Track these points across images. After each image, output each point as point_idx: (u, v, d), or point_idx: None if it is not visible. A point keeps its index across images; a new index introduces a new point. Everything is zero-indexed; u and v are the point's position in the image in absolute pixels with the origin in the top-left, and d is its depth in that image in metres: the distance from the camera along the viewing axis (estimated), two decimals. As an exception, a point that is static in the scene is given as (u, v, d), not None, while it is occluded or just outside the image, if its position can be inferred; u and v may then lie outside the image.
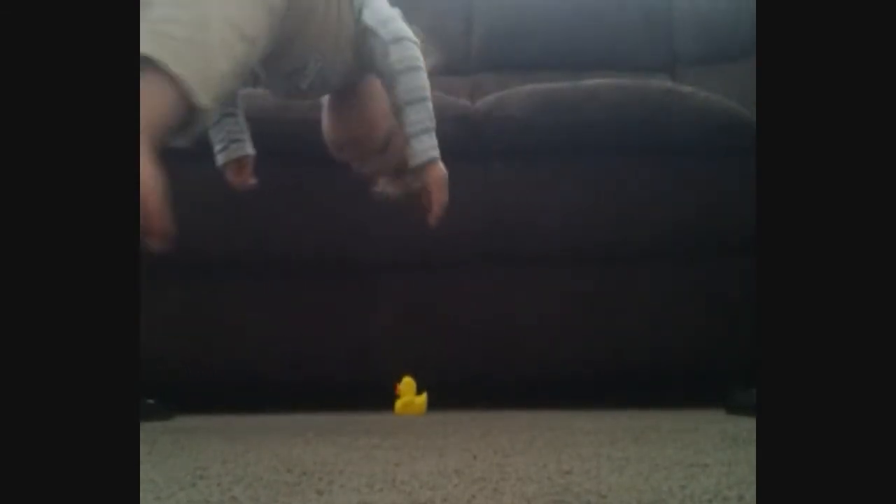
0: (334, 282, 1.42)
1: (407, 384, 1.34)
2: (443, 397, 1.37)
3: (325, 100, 1.28)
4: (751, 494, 0.56)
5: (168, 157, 1.35)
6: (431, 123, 1.14)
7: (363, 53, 1.15)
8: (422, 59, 1.14)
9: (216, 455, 0.79)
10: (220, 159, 1.27)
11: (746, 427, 1.00)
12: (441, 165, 1.16)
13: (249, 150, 1.27)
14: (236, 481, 0.64)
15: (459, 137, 1.41)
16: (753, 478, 0.62)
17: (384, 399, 1.34)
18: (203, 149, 1.40)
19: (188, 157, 1.39)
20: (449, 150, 1.42)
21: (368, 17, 1.14)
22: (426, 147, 1.14)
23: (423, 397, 1.34)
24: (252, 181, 1.28)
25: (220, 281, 1.42)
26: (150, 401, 1.23)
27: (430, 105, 1.14)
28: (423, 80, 1.14)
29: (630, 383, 1.45)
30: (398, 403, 1.33)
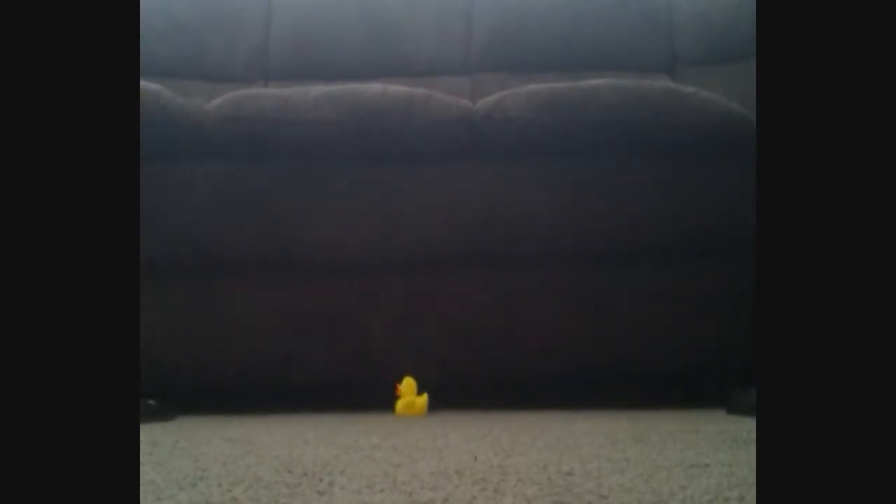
0: (335, 282, 1.42)
1: (408, 385, 1.34)
2: (443, 398, 1.37)
3: None
4: (751, 495, 0.56)
5: (168, 157, 1.37)
6: None
7: None
8: None
9: (217, 456, 0.79)
10: None
11: (747, 428, 1.00)
12: None
13: None
14: (237, 482, 0.64)
15: (460, 138, 1.41)
16: (754, 479, 0.62)
17: (385, 399, 1.34)
18: (203, 147, 1.40)
19: (189, 157, 1.40)
20: (449, 151, 1.43)
21: None
22: None
23: (424, 398, 1.34)
24: None
25: (221, 282, 1.42)
26: (151, 401, 1.23)
27: None
28: None
29: (630, 384, 1.45)
30: (399, 404, 1.33)
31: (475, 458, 0.75)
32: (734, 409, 1.22)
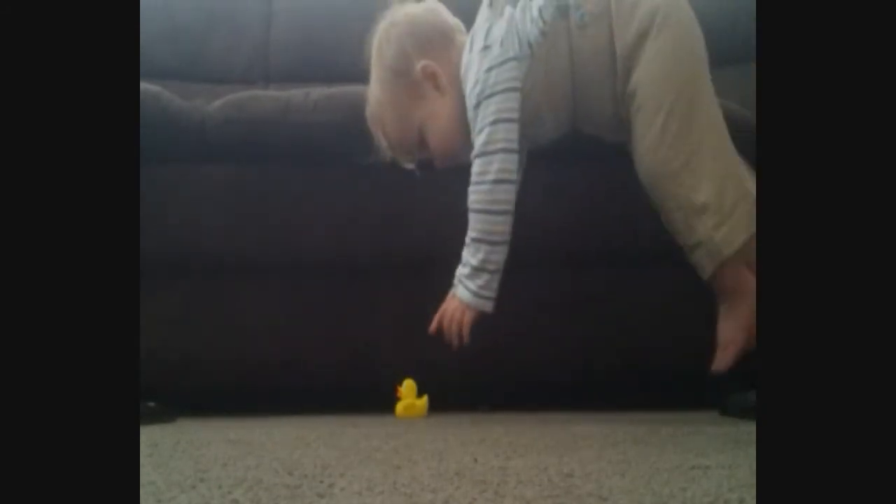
0: (335, 283, 1.42)
1: (408, 387, 1.34)
2: (444, 400, 1.37)
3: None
4: (752, 497, 0.56)
5: (169, 158, 1.37)
6: (474, 259, 1.19)
7: None
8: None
9: (217, 458, 0.79)
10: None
11: (747, 429, 1.00)
12: (459, 300, 1.21)
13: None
14: (237, 484, 0.64)
15: (460, 139, 1.41)
16: (755, 480, 0.62)
17: (385, 402, 1.34)
18: (203, 150, 1.40)
19: (189, 159, 1.40)
20: (450, 152, 1.42)
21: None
22: (459, 274, 1.21)
23: (425, 400, 1.34)
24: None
25: (221, 283, 1.42)
26: (151, 403, 1.22)
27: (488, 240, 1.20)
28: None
29: (630, 385, 1.45)
30: (399, 406, 1.33)
31: (475, 460, 0.75)
32: (728, 410, 1.22)
